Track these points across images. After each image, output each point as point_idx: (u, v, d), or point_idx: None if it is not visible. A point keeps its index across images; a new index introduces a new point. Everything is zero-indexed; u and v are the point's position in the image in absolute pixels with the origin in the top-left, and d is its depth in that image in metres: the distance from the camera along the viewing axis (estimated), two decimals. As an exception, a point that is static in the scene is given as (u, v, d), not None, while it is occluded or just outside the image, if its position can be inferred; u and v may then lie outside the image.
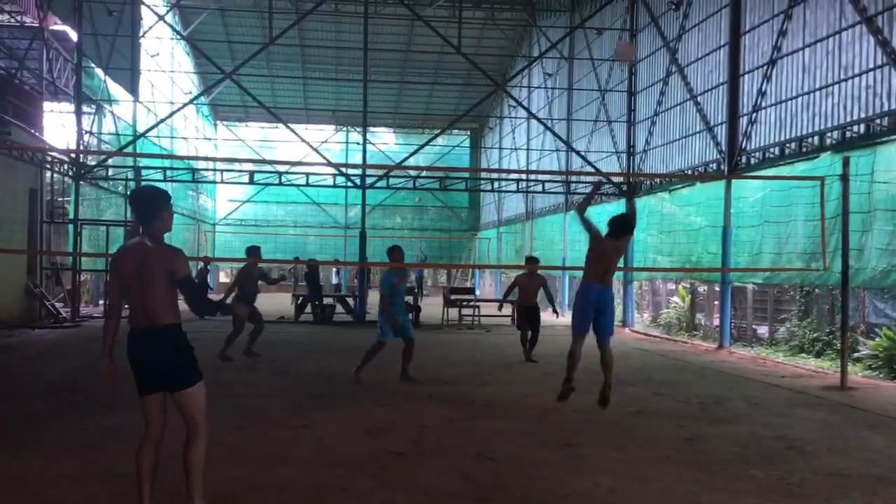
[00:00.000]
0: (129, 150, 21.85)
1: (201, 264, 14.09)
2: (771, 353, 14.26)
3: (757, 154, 14.91)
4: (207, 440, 4.54)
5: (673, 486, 5.47)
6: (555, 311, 13.85)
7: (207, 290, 5.07)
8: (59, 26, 22.35)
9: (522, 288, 13.15)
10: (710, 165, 16.74)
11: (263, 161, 26.33)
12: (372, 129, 38.33)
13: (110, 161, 21.43)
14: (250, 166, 26.61)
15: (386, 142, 41.54)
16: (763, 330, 16.00)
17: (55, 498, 4.90)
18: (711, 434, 7.25)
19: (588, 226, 8.34)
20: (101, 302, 22.93)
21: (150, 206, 4.51)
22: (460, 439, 6.84)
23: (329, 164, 24.22)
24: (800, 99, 13.66)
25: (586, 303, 8.09)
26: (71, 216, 20.75)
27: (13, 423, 7.23)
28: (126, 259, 4.48)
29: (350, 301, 22.14)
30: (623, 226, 8.30)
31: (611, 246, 8.16)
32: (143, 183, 21.34)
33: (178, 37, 28.09)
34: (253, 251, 12.47)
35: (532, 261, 14.23)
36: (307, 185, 23.66)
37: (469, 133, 41.99)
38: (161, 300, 4.39)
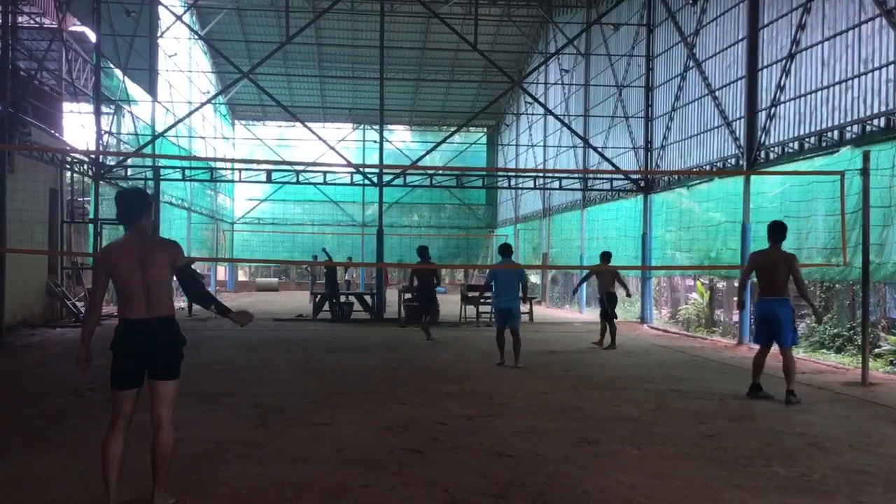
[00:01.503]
0: (148, 150, 22.01)
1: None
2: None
3: (776, 149, 14.81)
4: (173, 433, 4.70)
5: (693, 482, 5.46)
6: (628, 294, 15.54)
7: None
8: (78, 27, 22.54)
9: (598, 276, 14.99)
10: (729, 161, 16.64)
11: (281, 161, 26.42)
12: (389, 126, 38.43)
13: (129, 161, 21.60)
14: (268, 165, 26.73)
15: (403, 139, 41.60)
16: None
17: (79, 496, 4.95)
18: (732, 430, 7.21)
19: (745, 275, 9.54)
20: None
21: (137, 205, 4.76)
22: (479, 437, 6.84)
23: (346, 162, 24.29)
24: (819, 93, 13.55)
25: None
26: (91, 216, 20.93)
27: (36, 422, 7.32)
28: (122, 254, 4.61)
29: (368, 299, 22.19)
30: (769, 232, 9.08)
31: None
32: (162, 179, 21.52)
33: (196, 37, 28.25)
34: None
35: (606, 256, 15.00)
36: (324, 183, 23.75)
37: (486, 130, 41.96)
38: (165, 290, 4.62)
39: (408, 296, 20.75)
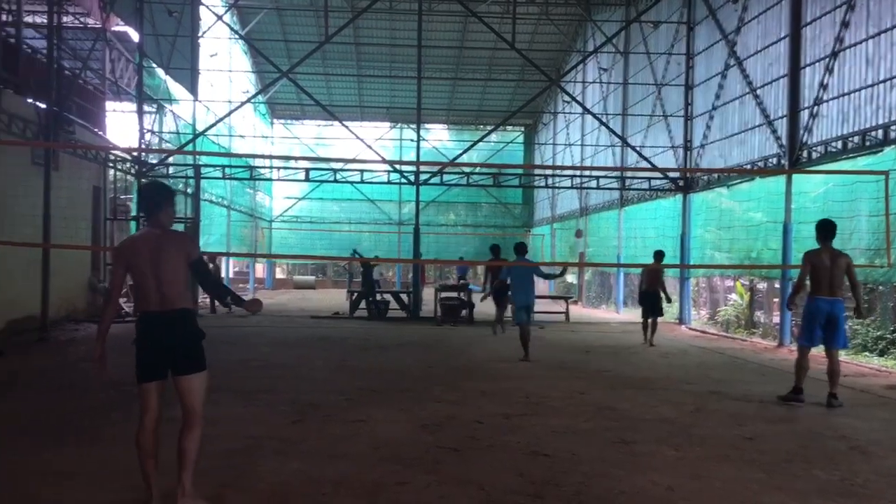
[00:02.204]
0: (189, 148, 22.31)
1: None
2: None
3: (819, 148, 14.57)
4: (202, 429, 4.69)
5: (732, 485, 5.40)
6: (668, 300, 15.49)
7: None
8: (122, 27, 22.88)
9: (647, 275, 15.23)
10: (770, 160, 16.41)
11: (319, 158, 26.59)
12: (426, 125, 38.47)
13: (171, 159, 21.89)
14: (306, 164, 26.94)
15: (440, 138, 41.61)
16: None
17: (120, 487, 5.04)
18: (771, 433, 7.13)
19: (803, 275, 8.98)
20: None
21: (157, 199, 4.76)
22: (515, 436, 6.84)
23: (383, 160, 24.40)
24: (863, 92, 13.29)
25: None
26: (133, 213, 21.27)
27: (79, 416, 7.46)
28: (137, 247, 4.64)
29: (404, 297, 22.26)
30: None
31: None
32: (203, 177, 21.76)
33: (236, 36, 28.54)
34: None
35: (660, 255, 15.28)
36: (361, 181, 23.85)
37: (523, 129, 41.82)
38: (179, 283, 4.60)
39: (444, 294, 20.81)
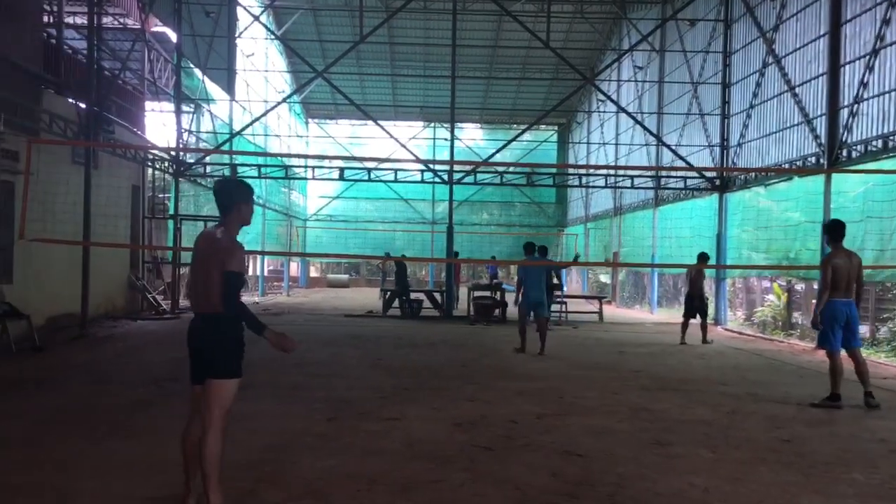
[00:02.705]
0: (226, 147, 22.55)
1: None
2: (872, 353, 13.70)
3: (859, 147, 14.33)
4: (222, 436, 4.40)
5: (770, 487, 5.34)
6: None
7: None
8: (160, 28, 23.20)
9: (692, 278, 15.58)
10: (809, 159, 16.17)
11: (353, 157, 26.74)
12: (459, 124, 38.45)
13: (208, 158, 22.15)
14: (340, 163, 27.08)
15: (473, 137, 41.61)
16: (864, 329, 15.37)
17: (158, 482, 5.12)
18: (809, 436, 7.03)
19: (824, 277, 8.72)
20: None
21: (227, 198, 4.58)
22: (550, 435, 6.83)
23: (417, 160, 24.45)
24: (905, 89, 13.06)
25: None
26: (171, 212, 21.55)
27: (119, 411, 7.58)
28: (198, 244, 4.63)
29: (437, 296, 22.29)
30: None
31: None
32: (238, 176, 22.03)
33: (272, 37, 28.78)
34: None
35: (704, 257, 15.66)
36: (395, 180, 23.93)
37: (556, 128, 41.65)
38: (214, 288, 4.39)
39: (477, 293, 20.83)
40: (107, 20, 20.87)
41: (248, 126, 23.32)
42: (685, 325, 15.38)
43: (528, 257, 13.82)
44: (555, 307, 20.05)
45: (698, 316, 15.36)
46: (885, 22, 13.43)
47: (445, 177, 22.04)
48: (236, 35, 24.63)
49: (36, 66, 14.26)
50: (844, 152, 14.74)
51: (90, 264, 14.98)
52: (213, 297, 4.40)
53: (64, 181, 14.83)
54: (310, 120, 41.23)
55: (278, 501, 4.81)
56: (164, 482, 5.04)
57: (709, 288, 20.68)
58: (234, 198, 4.57)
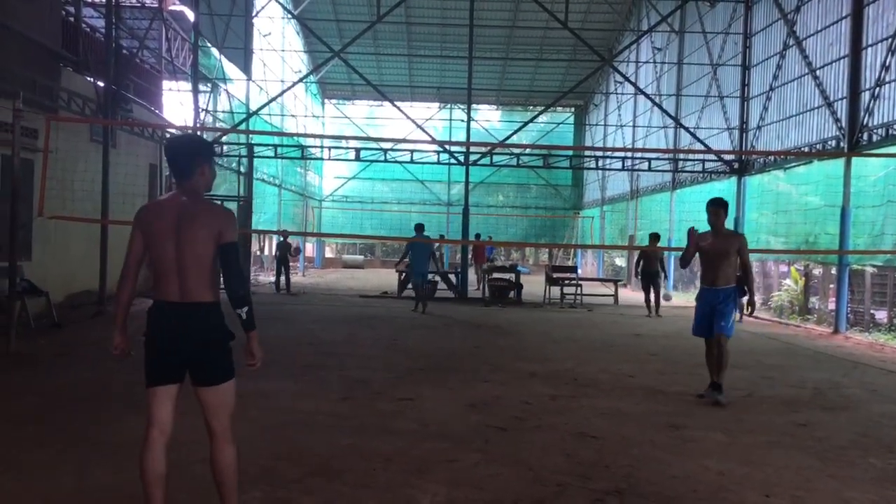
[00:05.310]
0: (242, 127, 22.57)
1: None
2: (890, 339, 13.60)
3: (879, 131, 14.17)
4: (236, 446, 3.81)
5: (784, 471, 5.32)
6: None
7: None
8: (178, 7, 23.18)
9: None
10: (829, 142, 16.01)
11: (369, 138, 26.70)
12: (476, 106, 38.30)
13: (225, 138, 22.18)
14: (356, 143, 27.08)
15: (489, 119, 41.45)
16: (882, 315, 15.28)
17: (175, 459, 5.14)
18: (826, 420, 7.00)
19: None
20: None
21: (188, 160, 3.74)
22: (563, 417, 6.83)
23: (433, 141, 24.39)
24: (929, 72, 12.89)
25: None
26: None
27: (134, 388, 7.54)
28: (158, 216, 3.70)
29: (452, 277, 22.29)
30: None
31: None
32: (255, 156, 21.94)
33: (289, 16, 28.71)
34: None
35: (656, 237, 17.48)
36: (411, 161, 23.90)
37: (573, 110, 41.42)
38: (203, 270, 3.64)
39: (495, 275, 20.86)
40: (125, -1, 20.86)
41: (264, 106, 23.30)
42: (648, 300, 17.34)
43: (417, 235, 16.90)
44: (569, 290, 20.04)
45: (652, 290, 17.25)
46: (910, 4, 13.24)
47: (461, 158, 21.98)
48: (253, 14, 24.60)
49: (55, 43, 14.29)
50: (865, 136, 14.59)
51: (108, 242, 15.06)
52: (201, 279, 3.64)
53: (82, 159, 14.90)
54: (326, 100, 41.18)
55: (296, 478, 4.83)
56: (178, 459, 5.07)
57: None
58: (197, 160, 3.76)
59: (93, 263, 14.89)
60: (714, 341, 7.83)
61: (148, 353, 3.72)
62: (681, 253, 8.30)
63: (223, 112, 25.01)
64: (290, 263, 22.86)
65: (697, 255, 7.96)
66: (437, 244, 19.78)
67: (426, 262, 17.07)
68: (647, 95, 23.54)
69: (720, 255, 7.78)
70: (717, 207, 7.94)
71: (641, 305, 17.79)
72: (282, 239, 21.99)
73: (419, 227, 17.22)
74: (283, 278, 21.45)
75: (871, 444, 6.13)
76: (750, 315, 7.91)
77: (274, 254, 23.27)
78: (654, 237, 17.35)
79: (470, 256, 24.48)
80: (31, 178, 13.21)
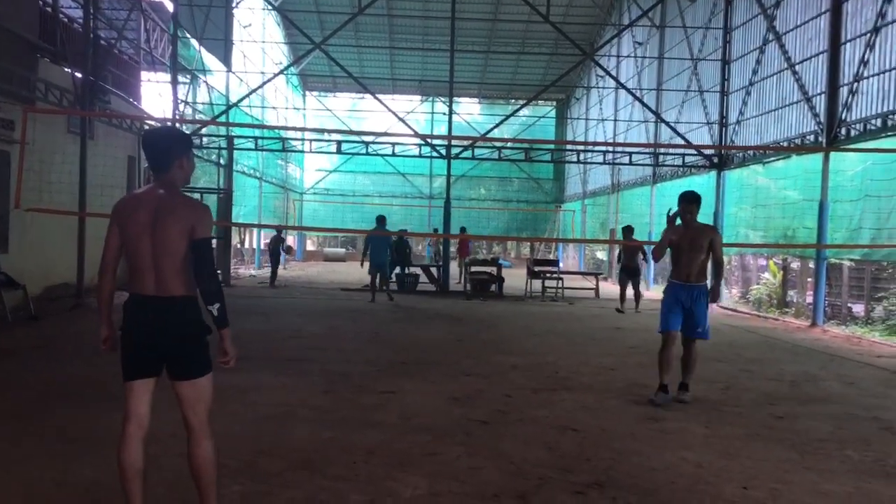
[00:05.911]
0: (222, 119, 22.43)
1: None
2: (867, 332, 13.75)
3: (858, 126, 14.30)
4: (214, 440, 3.77)
5: (763, 463, 5.38)
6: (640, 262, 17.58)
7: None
8: (157, -2, 22.97)
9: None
10: (808, 137, 16.14)
11: (350, 131, 26.61)
12: (458, 99, 38.27)
13: (204, 130, 22.02)
14: (338, 136, 26.96)
15: (471, 112, 41.42)
16: (859, 308, 15.43)
17: (156, 451, 5.12)
18: (803, 413, 7.07)
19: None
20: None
21: (165, 155, 3.73)
22: (545, 410, 6.86)
23: (415, 134, 24.35)
24: (906, 68, 13.01)
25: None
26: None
27: (114, 381, 7.53)
28: (134, 209, 3.68)
29: (434, 271, 22.30)
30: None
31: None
32: (235, 148, 21.82)
33: (270, 7, 28.54)
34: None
35: (629, 230, 17.22)
36: (393, 154, 23.84)
37: (555, 104, 41.48)
38: (178, 264, 3.61)
39: (473, 269, 20.88)
40: (103, -11, 20.61)
41: (244, 98, 23.18)
42: (623, 296, 16.83)
43: (377, 227, 17.64)
44: (551, 283, 20.10)
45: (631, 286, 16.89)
46: (888, 0, 13.35)
47: (443, 151, 21.97)
48: (233, 5, 24.41)
49: (32, 34, 14.12)
50: (843, 131, 14.72)
51: (86, 234, 14.93)
52: (174, 273, 3.62)
53: (60, 151, 14.75)
54: (307, 92, 40.98)
55: (276, 472, 4.83)
56: (159, 451, 5.05)
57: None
58: (175, 152, 3.74)
59: (70, 256, 14.76)
60: (691, 343, 7.58)
61: (125, 348, 3.70)
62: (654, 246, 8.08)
63: (203, 104, 24.83)
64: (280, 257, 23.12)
65: (669, 250, 7.73)
66: (398, 237, 20.32)
67: (384, 254, 17.65)
68: (627, 90, 23.61)
69: (693, 248, 7.47)
70: (689, 203, 7.56)
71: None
72: (276, 233, 22.17)
73: (380, 220, 17.82)
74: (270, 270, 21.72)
75: (848, 437, 6.20)
76: (713, 302, 7.64)
77: (268, 245, 23.25)
78: (628, 230, 17.06)
79: (453, 250, 24.49)
80: (8, 170, 13.08)
